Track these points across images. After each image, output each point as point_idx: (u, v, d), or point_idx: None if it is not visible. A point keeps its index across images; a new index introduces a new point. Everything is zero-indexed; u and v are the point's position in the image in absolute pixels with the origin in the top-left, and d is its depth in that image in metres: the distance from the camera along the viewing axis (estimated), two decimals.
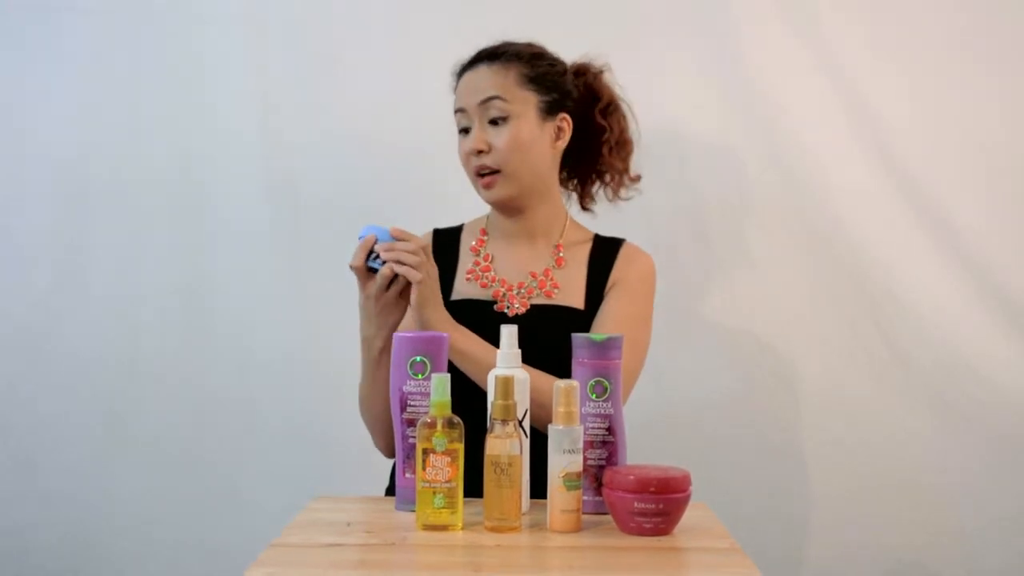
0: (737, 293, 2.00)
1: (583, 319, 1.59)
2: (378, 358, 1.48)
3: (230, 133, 2.03)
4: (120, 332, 2.04)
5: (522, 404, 1.32)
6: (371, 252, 1.42)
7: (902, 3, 1.99)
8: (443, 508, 1.26)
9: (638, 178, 1.72)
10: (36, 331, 2.05)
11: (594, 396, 1.33)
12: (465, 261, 1.67)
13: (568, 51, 1.95)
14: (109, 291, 2.04)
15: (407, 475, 1.36)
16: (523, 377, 1.32)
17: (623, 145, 1.70)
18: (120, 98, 2.03)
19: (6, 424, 2.05)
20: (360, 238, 1.43)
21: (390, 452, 1.60)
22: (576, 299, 1.61)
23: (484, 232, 1.69)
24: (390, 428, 1.56)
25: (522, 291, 1.62)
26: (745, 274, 2.00)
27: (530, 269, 1.64)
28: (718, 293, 2.01)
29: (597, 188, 1.74)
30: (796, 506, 1.99)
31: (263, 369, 2.02)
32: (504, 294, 1.62)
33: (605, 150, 1.68)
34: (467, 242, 1.69)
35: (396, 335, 1.38)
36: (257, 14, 2.03)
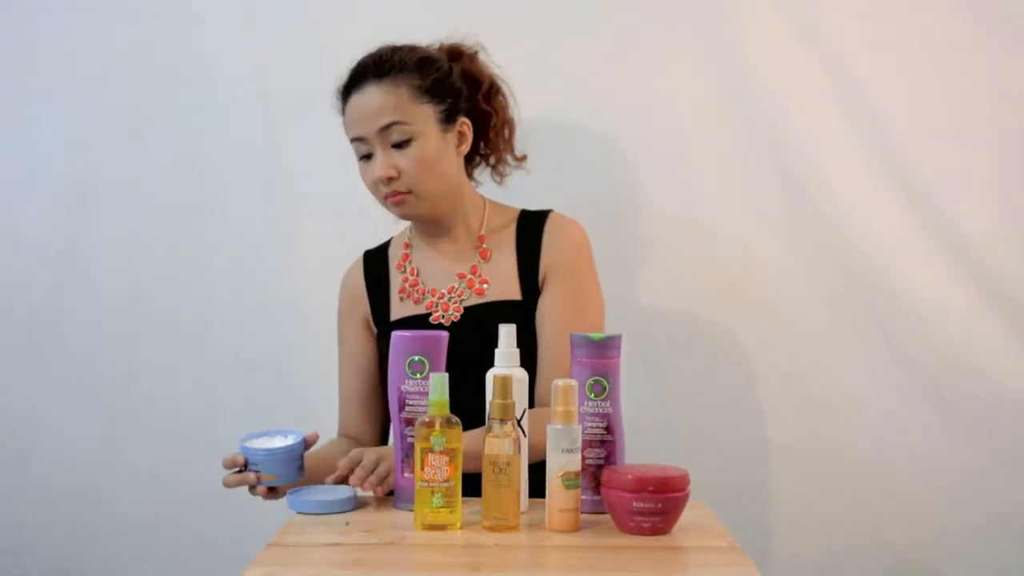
0: (737, 293, 2.00)
1: (521, 309, 1.57)
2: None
3: (230, 132, 2.02)
4: (121, 331, 2.04)
5: (520, 404, 1.32)
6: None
7: (903, 3, 1.98)
8: (441, 507, 1.26)
9: (524, 158, 1.70)
10: (37, 330, 2.05)
11: (592, 395, 1.33)
12: (395, 280, 1.67)
13: (568, 52, 1.97)
14: (110, 290, 2.04)
15: (405, 474, 1.36)
16: (521, 376, 1.32)
17: (507, 126, 1.68)
18: (121, 97, 2.03)
19: (6, 423, 2.05)
20: (243, 449, 1.42)
21: None
22: (510, 290, 1.60)
23: (407, 245, 1.68)
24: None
25: (453, 296, 1.61)
26: (746, 274, 2.00)
27: (456, 271, 1.62)
28: (718, 293, 2.00)
29: (480, 170, 1.72)
30: (795, 505, 1.99)
31: (264, 368, 2.02)
32: (436, 304, 1.61)
33: (492, 134, 1.67)
34: (394, 259, 1.69)
35: (395, 334, 1.38)
36: (257, 14, 2.02)
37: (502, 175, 1.71)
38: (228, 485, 1.43)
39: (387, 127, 1.53)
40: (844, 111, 1.97)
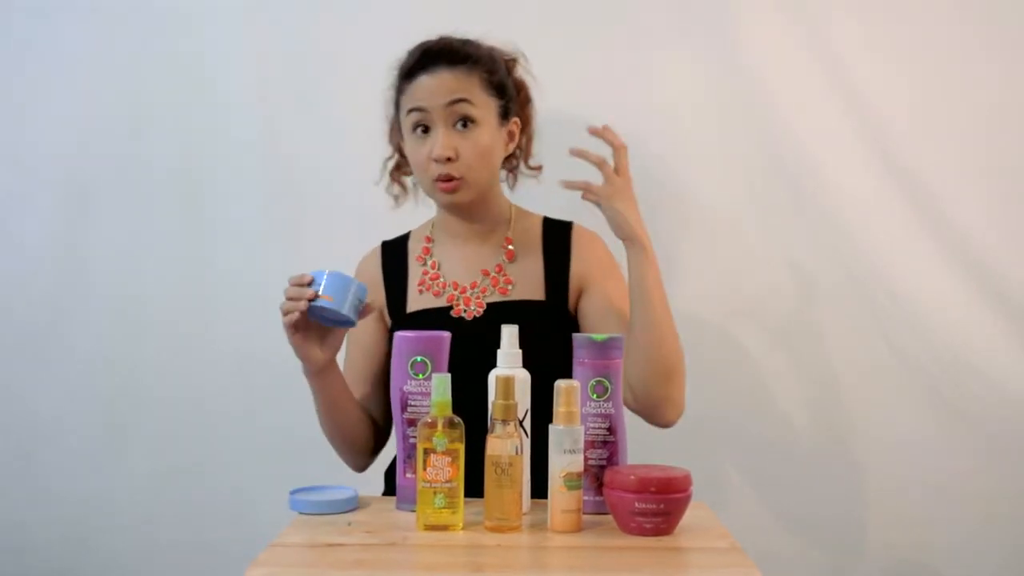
0: (737, 293, 2.00)
1: (545, 310, 1.58)
2: (312, 383, 1.51)
3: (230, 132, 2.02)
4: (121, 331, 2.04)
5: (522, 404, 1.32)
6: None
7: (903, 4, 1.98)
8: (444, 508, 1.26)
9: (539, 168, 1.71)
10: (37, 329, 2.04)
11: (595, 396, 1.33)
12: (414, 272, 1.66)
13: (568, 52, 1.97)
14: (110, 290, 2.04)
15: (408, 475, 1.36)
16: (524, 377, 1.32)
17: (530, 135, 1.70)
18: (120, 97, 2.03)
19: (6, 423, 2.05)
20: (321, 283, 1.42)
21: (357, 467, 1.64)
22: (535, 291, 1.61)
23: (429, 239, 1.68)
24: (347, 446, 1.61)
25: (476, 291, 1.61)
26: (746, 274, 2.00)
27: (481, 267, 1.63)
28: (718, 293, 2.01)
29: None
30: (796, 505, 1.99)
31: (264, 368, 2.02)
32: (458, 298, 1.61)
33: (520, 141, 1.68)
34: (414, 251, 1.68)
35: (397, 334, 1.38)
36: (257, 13, 2.02)
37: (515, 180, 1.72)
38: (288, 296, 1.43)
39: (456, 102, 1.54)
40: (844, 111, 1.97)
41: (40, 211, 2.05)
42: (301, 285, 1.42)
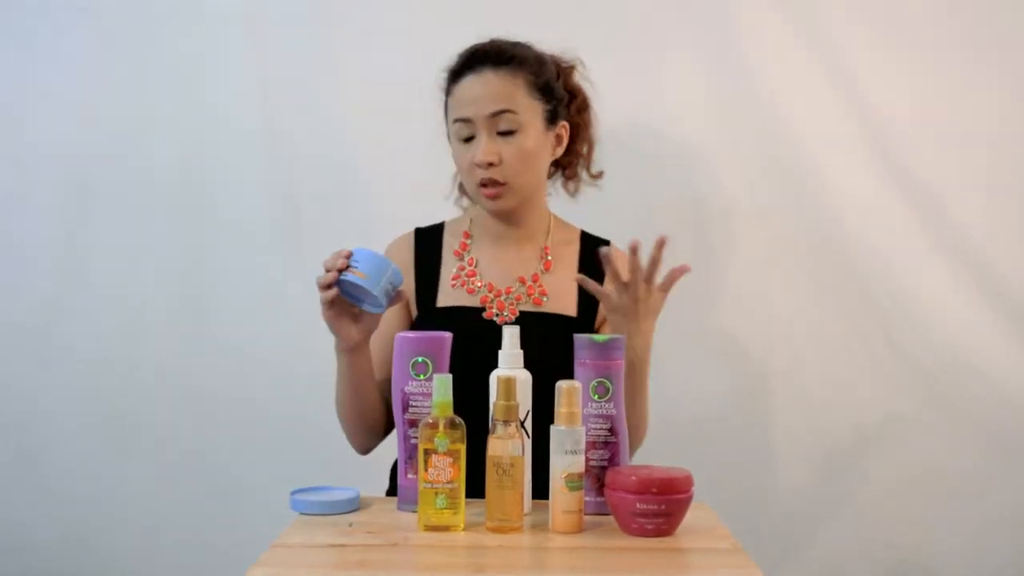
0: (738, 293, 2.00)
1: (575, 326, 1.58)
2: (342, 358, 1.48)
3: (231, 132, 2.02)
4: (122, 331, 2.04)
5: (524, 405, 1.32)
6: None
7: (903, 3, 1.98)
8: (445, 509, 1.26)
9: (600, 175, 1.72)
10: (38, 329, 2.04)
11: (596, 397, 1.33)
12: (449, 265, 1.65)
13: (567, 52, 1.96)
14: (111, 290, 2.04)
15: (409, 476, 1.36)
16: (525, 378, 1.32)
17: (587, 142, 1.70)
18: (121, 97, 2.03)
19: (8, 423, 2.05)
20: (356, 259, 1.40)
21: (363, 449, 1.62)
22: (567, 306, 1.61)
23: (467, 235, 1.67)
24: (360, 426, 1.58)
25: (510, 297, 1.61)
26: (746, 274, 2.00)
27: (518, 274, 1.63)
28: (719, 293, 2.01)
29: (554, 182, 1.74)
30: (798, 506, 1.99)
31: (265, 368, 2.02)
32: (492, 300, 1.61)
33: (579, 147, 1.69)
34: (449, 244, 1.67)
35: (398, 335, 1.38)
36: (257, 13, 2.02)
37: (577, 189, 1.72)
38: (325, 264, 1.40)
39: (498, 114, 1.54)
40: (844, 111, 1.98)
41: (40, 211, 2.04)
42: (338, 257, 1.40)
